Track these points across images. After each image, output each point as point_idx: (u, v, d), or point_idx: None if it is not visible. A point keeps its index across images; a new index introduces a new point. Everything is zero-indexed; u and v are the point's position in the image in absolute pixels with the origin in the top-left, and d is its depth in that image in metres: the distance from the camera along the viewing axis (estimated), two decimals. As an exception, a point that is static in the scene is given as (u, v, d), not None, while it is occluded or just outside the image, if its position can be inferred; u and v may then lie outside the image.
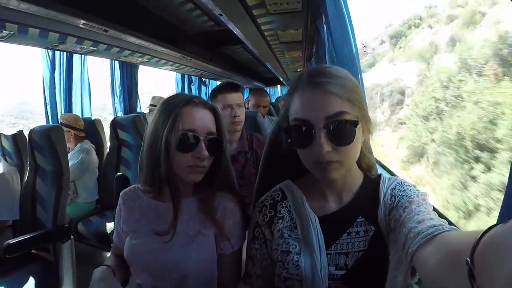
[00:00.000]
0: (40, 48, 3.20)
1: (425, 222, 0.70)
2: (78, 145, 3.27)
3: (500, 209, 0.69)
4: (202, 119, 1.05)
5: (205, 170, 1.06)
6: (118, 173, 1.68)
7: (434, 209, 0.82)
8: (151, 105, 4.01)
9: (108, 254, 2.73)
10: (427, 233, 0.65)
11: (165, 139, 1.01)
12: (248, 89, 9.57)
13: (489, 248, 0.36)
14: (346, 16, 1.94)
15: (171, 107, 1.04)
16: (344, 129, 0.81)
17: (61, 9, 1.93)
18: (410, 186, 0.91)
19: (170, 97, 1.10)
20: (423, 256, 0.63)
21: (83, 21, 2.16)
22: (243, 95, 2.18)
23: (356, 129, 0.82)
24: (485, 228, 0.40)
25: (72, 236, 2.31)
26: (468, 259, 0.39)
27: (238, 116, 2.05)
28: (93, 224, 2.98)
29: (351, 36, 1.90)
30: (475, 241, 0.39)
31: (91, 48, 2.97)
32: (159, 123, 1.03)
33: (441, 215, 0.82)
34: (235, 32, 3.32)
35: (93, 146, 3.35)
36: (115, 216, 1.21)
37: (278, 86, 14.91)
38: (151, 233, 1.08)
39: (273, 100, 7.63)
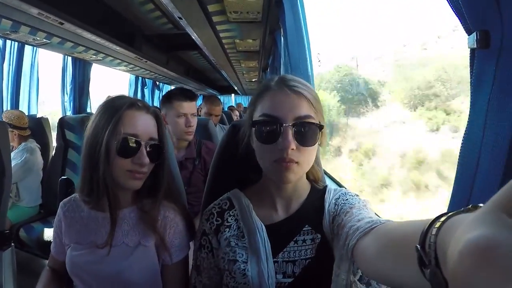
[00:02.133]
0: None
1: (364, 220, 0.73)
2: (22, 144, 3.05)
3: (451, 198, 0.74)
4: (145, 124, 1.02)
5: (145, 176, 1.03)
6: (63, 177, 1.60)
7: (376, 214, 0.86)
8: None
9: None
10: (365, 228, 0.68)
11: (105, 142, 0.96)
12: (202, 96, 9.51)
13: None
14: (303, 29, 2.03)
15: (112, 110, 1.00)
16: (310, 131, 0.85)
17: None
18: (353, 196, 0.94)
19: (112, 99, 1.05)
20: (362, 247, 0.65)
21: (39, 10, 2.06)
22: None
23: (319, 133, 0.87)
24: (435, 216, 0.42)
25: (13, 244, 2.16)
26: (418, 246, 0.41)
27: (192, 126, 2.04)
28: (36, 230, 2.78)
29: (307, 50, 1.99)
30: (423, 228, 0.42)
31: (44, 40, 2.83)
32: (99, 126, 0.99)
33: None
34: (193, 37, 3.32)
35: (38, 146, 3.15)
36: (54, 226, 1.15)
37: (232, 95, 14.98)
38: (92, 245, 1.04)
39: (226, 109, 7.65)
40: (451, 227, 0.37)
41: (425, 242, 0.41)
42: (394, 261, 0.53)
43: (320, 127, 0.87)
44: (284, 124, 0.83)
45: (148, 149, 1.00)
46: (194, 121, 2.06)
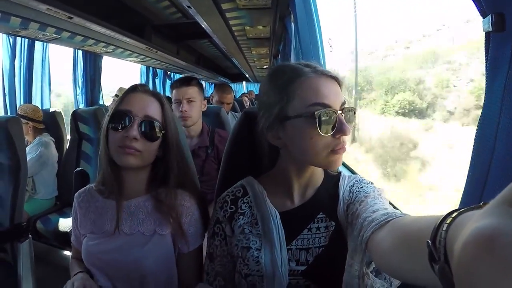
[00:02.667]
0: (1, 34, 3.03)
1: (379, 211, 0.73)
2: (37, 138, 3.09)
3: (462, 194, 0.73)
4: (141, 102, 1.03)
5: (140, 155, 1.01)
6: (78, 168, 1.61)
7: (390, 204, 0.85)
8: (116, 95, 3.88)
9: (68, 253, 2.65)
10: (380, 220, 0.67)
11: (106, 123, 1.02)
12: (213, 84, 9.49)
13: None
14: (314, 15, 1.98)
15: (120, 97, 1.05)
16: (352, 116, 0.86)
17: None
18: (367, 183, 0.94)
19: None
20: (377, 240, 0.65)
21: (47, 6, 2.06)
22: (202, 90, 2.15)
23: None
24: (446, 212, 0.42)
25: (30, 235, 2.20)
26: (429, 241, 0.41)
27: (185, 111, 2.01)
28: (52, 222, 2.84)
29: (318, 35, 1.95)
30: (435, 224, 0.41)
31: (54, 35, 2.86)
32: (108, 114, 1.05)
33: (396, 209, 0.87)
34: (203, 26, 3.29)
35: (53, 139, 3.19)
36: (72, 217, 1.16)
37: (244, 82, 14.92)
38: (107, 234, 1.06)
39: (238, 96, 7.63)
40: (461, 223, 0.37)
41: (436, 238, 0.40)
42: (406, 255, 0.53)
43: (355, 111, 0.87)
44: (338, 111, 0.82)
45: (142, 125, 1.01)
46: (188, 107, 2.04)
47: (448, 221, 0.39)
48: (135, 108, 1.01)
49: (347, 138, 0.84)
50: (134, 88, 1.06)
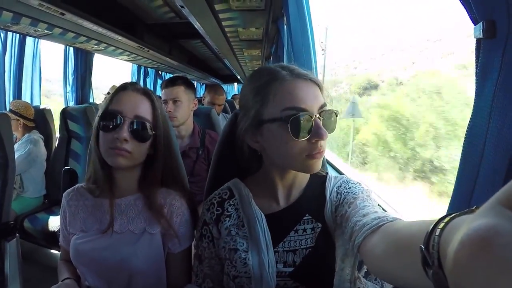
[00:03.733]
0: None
1: (370, 215, 0.72)
2: (26, 135, 3.06)
3: (451, 199, 0.74)
4: (131, 102, 1.02)
5: (131, 156, 1.01)
6: (66, 167, 1.61)
7: (379, 205, 0.86)
8: (108, 93, 3.85)
9: (56, 253, 2.63)
10: (371, 225, 0.67)
11: (96, 123, 1.02)
12: (205, 85, 9.45)
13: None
14: (307, 18, 2.00)
15: (111, 95, 1.05)
16: (332, 119, 0.85)
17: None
18: (355, 184, 0.94)
19: None
20: (370, 246, 0.65)
21: (39, 2, 2.05)
22: (190, 89, 2.13)
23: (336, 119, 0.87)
24: (439, 217, 0.42)
25: (17, 234, 2.20)
26: (422, 246, 0.42)
27: (170, 111, 2.00)
28: (40, 221, 2.81)
29: (311, 38, 1.96)
30: (428, 229, 0.42)
31: (46, 31, 2.83)
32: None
33: (384, 210, 0.88)
34: (196, 26, 3.28)
35: (42, 137, 3.16)
36: (60, 218, 1.15)
37: (235, 83, 14.91)
38: (96, 232, 1.05)
39: (229, 98, 7.62)
40: (454, 227, 0.37)
41: (429, 243, 0.41)
42: (400, 261, 0.53)
43: (337, 113, 0.86)
44: (314, 115, 0.82)
45: (132, 126, 1.00)
46: (173, 107, 2.03)
47: (441, 226, 0.40)
48: (125, 108, 1.00)
49: (324, 142, 0.84)
50: (124, 87, 1.05)
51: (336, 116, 0.86)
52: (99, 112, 1.02)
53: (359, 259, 0.73)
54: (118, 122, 0.99)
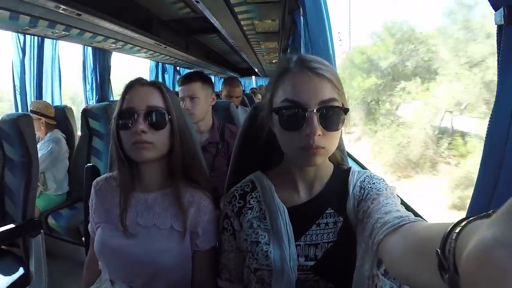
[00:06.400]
0: (11, 32, 3.06)
1: (392, 213, 0.71)
2: (48, 134, 3.13)
3: (470, 201, 0.71)
4: (140, 95, 1.04)
5: (154, 147, 1.02)
6: (88, 164, 1.62)
7: (402, 203, 0.84)
8: (32, 111, 3.87)
9: (80, 248, 2.69)
10: (393, 223, 0.66)
11: (115, 122, 1.03)
12: (223, 79, 9.46)
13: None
14: (323, 8, 1.95)
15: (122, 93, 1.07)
16: (335, 115, 0.82)
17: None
18: (379, 180, 0.92)
19: None
20: (389, 245, 0.64)
21: (55, 4, 2.07)
22: (207, 84, 2.09)
23: (344, 117, 0.84)
24: (456, 220, 0.42)
25: (42, 230, 2.24)
26: (438, 250, 0.41)
27: (187, 109, 1.96)
28: (64, 217, 2.89)
29: (328, 29, 1.91)
30: (445, 233, 0.41)
31: (63, 32, 2.88)
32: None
33: (408, 208, 0.85)
34: (212, 21, 3.28)
35: (63, 135, 3.23)
36: (89, 208, 1.17)
37: (253, 77, 14.92)
38: (119, 226, 1.05)
39: (248, 91, 7.61)
40: (470, 232, 0.36)
41: (445, 247, 0.40)
42: (417, 263, 0.52)
43: (345, 110, 0.84)
44: (308, 110, 0.80)
45: (147, 117, 1.01)
46: (191, 104, 1.99)
47: (457, 230, 0.39)
48: (136, 102, 1.02)
49: (321, 138, 0.81)
50: (131, 85, 1.06)
51: (345, 113, 0.84)
52: (114, 114, 1.04)
53: (378, 256, 0.71)
54: (133, 117, 1.00)
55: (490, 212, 0.37)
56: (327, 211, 0.92)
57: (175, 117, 1.06)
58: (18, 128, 2.14)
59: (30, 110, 3.09)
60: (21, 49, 3.27)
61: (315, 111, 0.80)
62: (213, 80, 11.31)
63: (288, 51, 5.11)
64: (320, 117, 0.80)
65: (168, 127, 1.05)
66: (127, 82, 1.08)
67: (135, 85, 1.06)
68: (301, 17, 2.54)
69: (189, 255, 1.07)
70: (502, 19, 0.60)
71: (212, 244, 1.08)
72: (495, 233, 0.28)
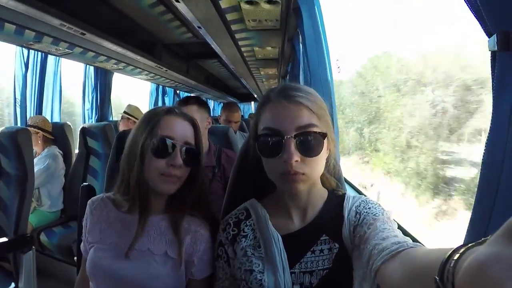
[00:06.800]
0: (15, 46, 3.12)
1: (389, 239, 0.71)
2: (45, 150, 3.15)
3: (468, 225, 0.71)
4: (181, 128, 1.04)
5: (179, 181, 1.03)
6: (84, 183, 1.62)
7: (399, 227, 0.84)
8: (124, 112, 3.93)
9: (71, 267, 2.64)
10: (391, 250, 0.66)
11: (142, 143, 1.00)
12: (222, 104, 9.54)
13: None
14: (322, 36, 2.00)
15: (152, 116, 1.05)
16: (313, 141, 0.83)
17: (40, 6, 1.90)
18: (375, 204, 0.92)
19: (153, 108, 1.11)
20: (387, 272, 0.64)
21: (61, 22, 2.12)
22: (203, 107, 2.10)
23: (323, 142, 0.85)
24: (454, 247, 0.42)
25: (33, 247, 2.22)
26: (437, 277, 0.41)
27: None
28: (57, 235, 2.86)
29: (326, 56, 1.96)
30: (443, 260, 0.41)
31: (67, 50, 2.93)
32: (139, 131, 1.03)
33: (405, 233, 0.84)
34: (213, 46, 3.34)
35: (61, 152, 3.23)
36: (83, 227, 1.15)
37: (252, 102, 15.01)
38: (115, 247, 1.04)
39: (246, 117, 7.66)
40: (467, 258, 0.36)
41: (444, 274, 0.40)
42: None
43: (324, 135, 0.85)
44: (285, 136, 0.82)
45: (183, 152, 1.02)
46: None
47: (455, 257, 0.39)
48: (177, 134, 1.02)
49: (300, 164, 0.83)
50: (170, 111, 1.07)
51: (324, 137, 0.85)
52: (145, 135, 1.02)
53: (376, 283, 0.71)
54: (171, 149, 1.01)
55: (488, 237, 0.36)
56: (321, 238, 0.91)
57: (202, 155, 1.09)
58: (16, 141, 2.16)
59: (28, 124, 3.11)
60: (24, 64, 3.32)
61: (292, 137, 0.82)
62: (212, 105, 11.48)
63: (288, 77, 5.19)
64: (298, 143, 0.82)
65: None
66: (166, 107, 1.09)
67: (175, 114, 1.07)
68: (300, 45, 2.60)
69: (183, 283, 1.05)
70: (496, 45, 0.61)
71: (207, 273, 1.06)
72: (490, 251, 0.29)
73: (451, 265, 0.39)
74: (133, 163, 1.01)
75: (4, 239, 2.11)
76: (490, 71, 0.67)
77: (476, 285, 0.28)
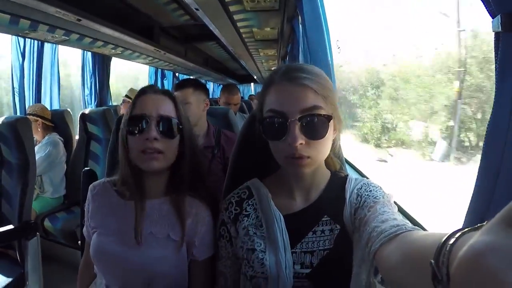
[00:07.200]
0: (10, 35, 3.09)
1: (389, 222, 0.71)
2: (46, 137, 3.14)
3: (466, 211, 0.71)
4: (153, 103, 1.04)
5: (163, 157, 1.02)
6: (86, 168, 1.63)
7: (400, 211, 0.84)
8: (126, 96, 3.89)
9: (75, 251, 2.69)
10: (389, 232, 0.66)
11: (123, 128, 1.03)
12: (222, 85, 9.48)
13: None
14: (321, 16, 1.97)
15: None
16: (318, 123, 0.82)
17: (34, -6, 1.86)
18: (376, 187, 0.92)
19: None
20: (385, 254, 0.64)
21: (56, 9, 2.08)
22: (199, 89, 2.08)
23: (329, 124, 0.84)
24: (451, 231, 0.42)
25: (38, 233, 2.25)
26: (432, 261, 0.41)
27: None
28: (60, 220, 2.89)
29: (326, 36, 1.93)
30: (439, 244, 0.41)
31: (63, 37, 2.89)
32: (124, 117, 1.06)
33: (406, 216, 0.85)
34: (211, 28, 3.30)
35: (61, 139, 3.23)
36: (85, 212, 1.16)
37: (252, 84, 14.94)
38: (118, 232, 1.05)
39: (246, 98, 7.63)
40: (464, 243, 0.36)
41: (439, 258, 0.40)
42: (412, 273, 0.53)
43: (329, 117, 0.83)
44: (290, 119, 0.81)
45: (159, 125, 1.01)
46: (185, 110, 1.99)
47: (451, 241, 0.40)
48: (149, 109, 1.02)
49: (305, 147, 0.82)
50: (144, 91, 1.07)
51: (329, 120, 0.84)
52: (124, 119, 1.04)
53: (374, 265, 0.71)
54: (145, 124, 1.00)
55: (485, 223, 0.36)
56: (323, 219, 0.91)
57: (186, 128, 1.08)
58: (16, 130, 2.16)
59: (27, 113, 3.11)
60: (21, 53, 3.29)
61: (297, 120, 0.80)
62: (212, 87, 11.40)
63: (287, 58, 5.14)
64: (302, 126, 0.81)
65: (179, 137, 1.06)
66: (140, 88, 1.09)
67: (148, 92, 1.07)
68: (300, 25, 2.56)
69: (185, 264, 1.06)
70: (500, 26, 0.60)
71: (209, 254, 1.07)
72: (487, 239, 0.28)
73: (447, 249, 0.39)
74: (122, 148, 1.04)
75: (9, 227, 2.14)
76: (494, 53, 0.66)
77: (472, 275, 0.28)
